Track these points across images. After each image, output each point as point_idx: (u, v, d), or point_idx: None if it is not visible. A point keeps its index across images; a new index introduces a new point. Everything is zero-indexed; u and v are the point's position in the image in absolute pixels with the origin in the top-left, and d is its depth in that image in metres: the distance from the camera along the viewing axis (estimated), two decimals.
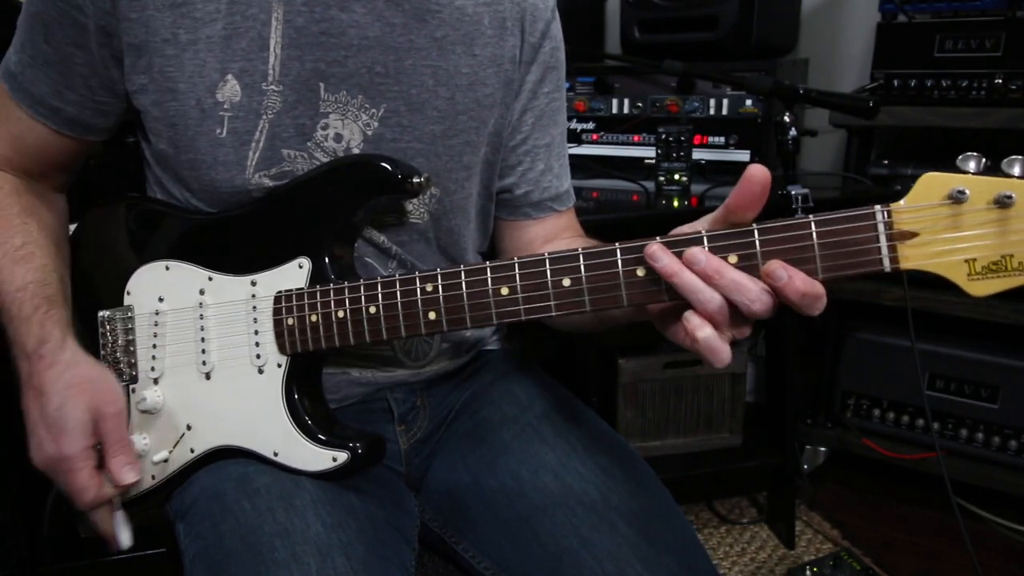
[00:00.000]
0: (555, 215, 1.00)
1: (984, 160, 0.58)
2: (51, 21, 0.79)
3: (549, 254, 0.70)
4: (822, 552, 1.79)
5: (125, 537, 0.84)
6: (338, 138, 0.83)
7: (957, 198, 0.58)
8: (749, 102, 1.73)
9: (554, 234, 1.01)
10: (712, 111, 1.77)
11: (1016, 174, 0.57)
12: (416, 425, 0.96)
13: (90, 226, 0.92)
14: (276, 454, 0.81)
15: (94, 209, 0.93)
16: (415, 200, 0.88)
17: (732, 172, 1.76)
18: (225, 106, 0.79)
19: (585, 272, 0.69)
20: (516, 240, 1.01)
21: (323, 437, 0.80)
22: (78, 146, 0.89)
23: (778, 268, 0.61)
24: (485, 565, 0.85)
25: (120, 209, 0.91)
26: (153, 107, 0.81)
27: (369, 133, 0.84)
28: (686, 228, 0.67)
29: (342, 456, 0.79)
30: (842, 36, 2.05)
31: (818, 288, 0.61)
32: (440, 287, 0.74)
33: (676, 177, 1.60)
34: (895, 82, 1.73)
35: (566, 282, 0.69)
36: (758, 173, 0.62)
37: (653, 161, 1.63)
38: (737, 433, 1.83)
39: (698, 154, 1.73)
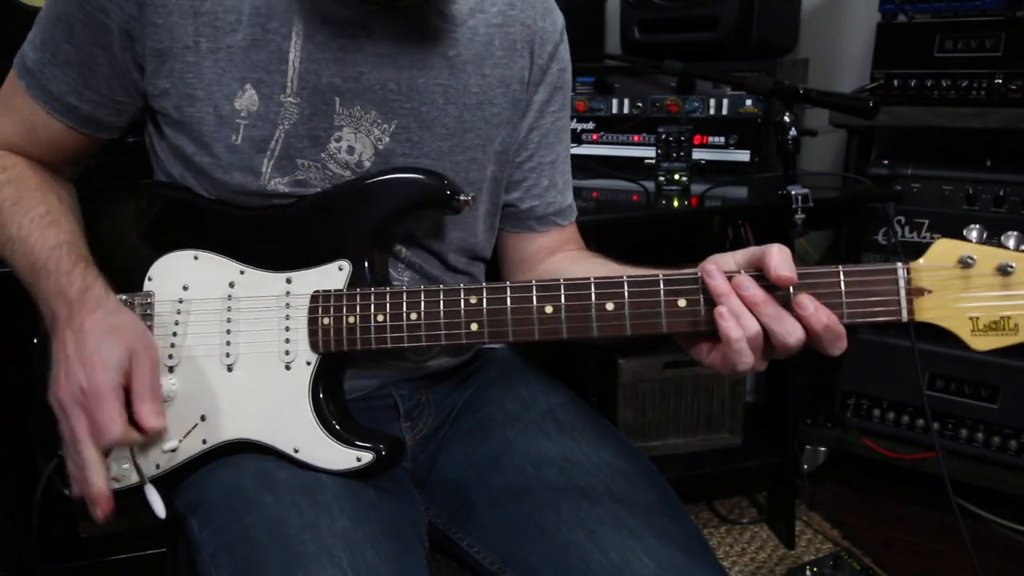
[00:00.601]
0: (558, 229, 1.02)
1: (984, 231, 0.69)
2: (75, 21, 0.80)
3: (595, 279, 0.73)
4: (822, 552, 1.79)
5: (160, 508, 0.82)
6: (351, 151, 0.85)
7: (967, 263, 0.67)
8: (749, 102, 1.73)
9: (556, 247, 1.02)
10: (712, 111, 1.77)
11: (1011, 246, 0.67)
12: (421, 422, 0.97)
13: (109, 209, 0.92)
14: (297, 451, 0.81)
15: (114, 192, 0.93)
16: None
17: (732, 172, 1.77)
18: (242, 114, 0.81)
19: (629, 299, 0.72)
20: (520, 251, 1.02)
21: (348, 437, 0.81)
22: (89, 142, 0.90)
23: (806, 299, 0.67)
24: (490, 560, 0.85)
25: (144, 193, 0.91)
26: (173, 111, 0.82)
27: (380, 147, 0.86)
28: (728, 261, 0.71)
29: (367, 457, 0.80)
30: (842, 36, 2.05)
31: (840, 327, 0.68)
32: (484, 300, 0.76)
33: (676, 177, 1.60)
34: (895, 82, 1.73)
35: (609, 306, 0.73)
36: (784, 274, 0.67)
37: (653, 161, 1.64)
38: (737, 433, 1.83)
39: (698, 154, 1.72)
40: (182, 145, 0.83)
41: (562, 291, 0.74)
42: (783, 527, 1.84)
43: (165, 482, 0.85)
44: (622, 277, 0.73)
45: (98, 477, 0.75)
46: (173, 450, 0.84)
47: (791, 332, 0.67)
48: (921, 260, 0.69)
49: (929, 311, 0.69)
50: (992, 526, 1.83)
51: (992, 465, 1.76)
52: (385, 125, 0.85)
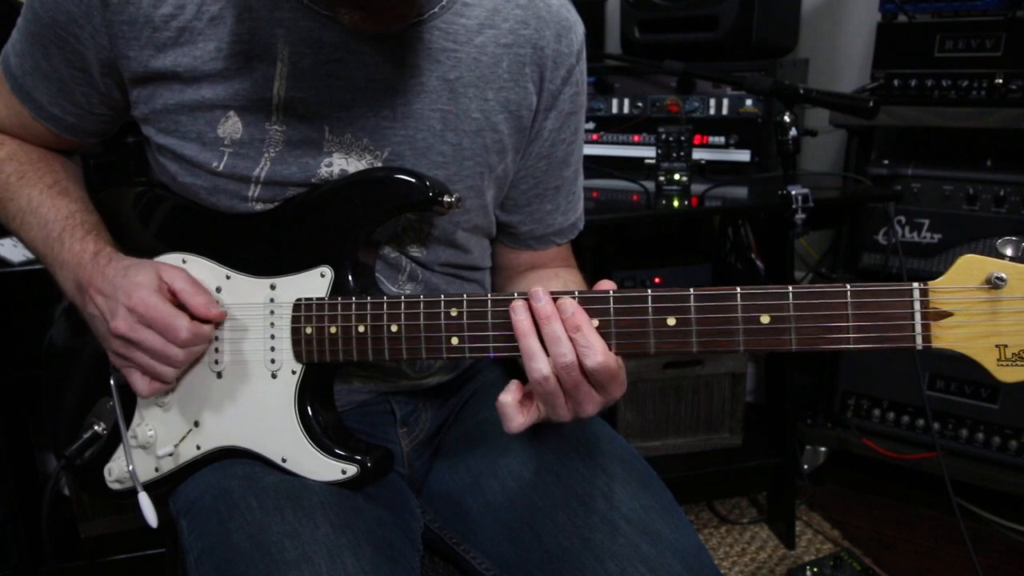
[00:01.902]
0: (555, 247, 1.00)
1: (1023, 244, 0.59)
2: (49, 44, 0.79)
3: (580, 293, 0.70)
4: (822, 552, 1.79)
5: (152, 518, 0.84)
6: (343, 174, 0.82)
7: (995, 284, 0.59)
8: (749, 102, 1.73)
9: (543, 263, 1.00)
10: (712, 111, 1.77)
11: None
12: (418, 427, 0.96)
13: (101, 208, 0.91)
14: (284, 460, 0.81)
15: (106, 191, 0.93)
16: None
17: (732, 172, 1.77)
18: (225, 142, 0.79)
19: (615, 316, 0.69)
20: (506, 259, 1.01)
21: (334, 449, 0.80)
22: (80, 142, 0.91)
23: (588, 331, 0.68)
24: (486, 566, 0.85)
25: (134, 194, 0.90)
26: (156, 135, 0.81)
27: None
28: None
29: (351, 469, 0.79)
30: (842, 36, 2.05)
31: (608, 370, 0.67)
32: (465, 313, 0.73)
33: (676, 177, 1.60)
34: (895, 82, 1.73)
35: (594, 323, 0.69)
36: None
37: (653, 161, 1.64)
38: (737, 433, 1.83)
39: (698, 154, 1.73)
40: (166, 164, 0.82)
41: None
42: (783, 527, 1.84)
43: (163, 486, 0.86)
44: (609, 292, 0.69)
45: (204, 337, 0.79)
46: (170, 454, 0.84)
47: (564, 354, 0.67)
48: (941, 279, 0.61)
49: (949, 339, 0.61)
50: (992, 526, 1.83)
51: (992, 465, 1.75)
52: (377, 151, 0.82)
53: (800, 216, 1.38)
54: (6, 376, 1.47)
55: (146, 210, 0.89)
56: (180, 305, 0.78)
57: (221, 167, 0.79)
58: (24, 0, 0.80)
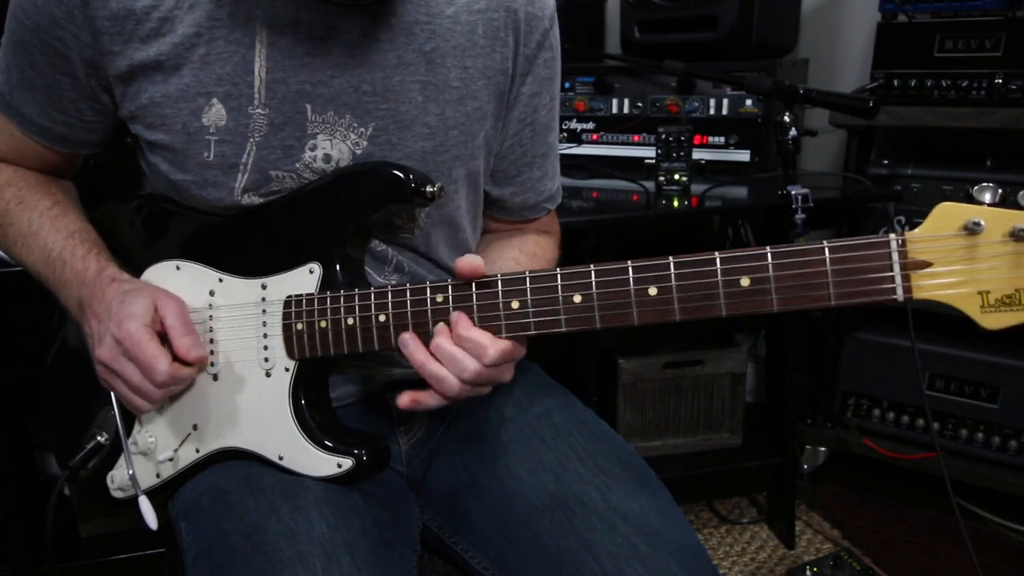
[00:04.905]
0: (545, 213, 1.03)
1: (1000, 191, 0.58)
2: (33, 50, 0.79)
3: (561, 270, 0.70)
4: (822, 552, 1.79)
5: (152, 520, 0.84)
6: (327, 159, 0.82)
7: (972, 229, 0.58)
8: (749, 102, 1.73)
9: (521, 229, 1.02)
10: (712, 111, 1.77)
11: None
12: (416, 426, 0.96)
13: (99, 223, 0.92)
14: (281, 458, 0.81)
15: (103, 206, 0.94)
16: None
17: (732, 172, 1.77)
18: (211, 130, 0.79)
19: (596, 289, 0.69)
20: (492, 227, 1.03)
21: (328, 443, 0.80)
22: (74, 156, 0.92)
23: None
24: (484, 565, 0.85)
25: (130, 207, 0.91)
26: (145, 131, 0.82)
27: (358, 152, 0.83)
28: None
29: (347, 463, 0.79)
30: (842, 36, 2.05)
31: (437, 372, 0.73)
32: (451, 298, 0.74)
33: (676, 177, 1.60)
34: (895, 82, 1.73)
35: (577, 298, 0.70)
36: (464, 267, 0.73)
37: (653, 161, 1.64)
38: (737, 433, 1.83)
39: (698, 154, 1.73)
40: (158, 163, 0.83)
41: (528, 284, 0.71)
42: (783, 527, 1.84)
43: (164, 491, 0.86)
44: (590, 267, 0.70)
45: (182, 380, 0.79)
46: (170, 459, 0.84)
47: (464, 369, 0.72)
48: (918, 228, 0.60)
49: (929, 288, 0.60)
50: (992, 526, 1.83)
51: (992, 465, 1.76)
52: (362, 129, 0.82)
53: (800, 216, 1.38)
54: (6, 376, 1.47)
55: (142, 221, 0.90)
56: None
57: (211, 156, 0.80)
58: (8, 10, 0.80)
